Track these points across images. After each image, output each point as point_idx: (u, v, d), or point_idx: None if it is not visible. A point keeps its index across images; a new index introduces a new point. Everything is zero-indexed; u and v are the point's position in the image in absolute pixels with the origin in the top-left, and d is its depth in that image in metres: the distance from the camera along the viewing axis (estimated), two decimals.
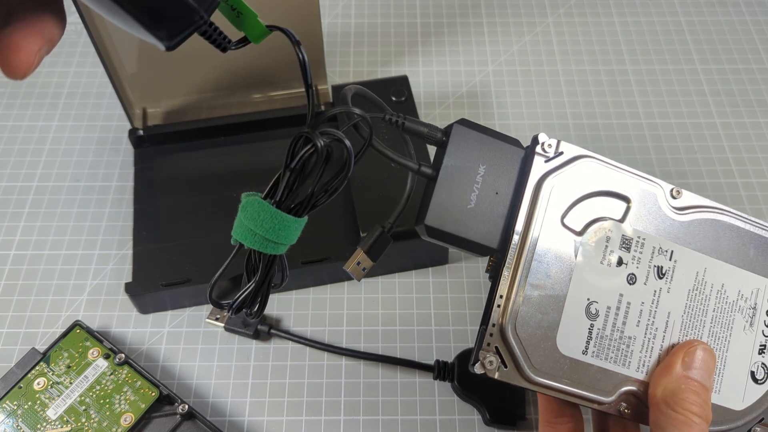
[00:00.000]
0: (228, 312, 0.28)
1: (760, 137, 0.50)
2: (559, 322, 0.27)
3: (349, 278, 0.43)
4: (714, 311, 0.29)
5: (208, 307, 0.41)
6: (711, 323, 0.29)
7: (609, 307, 0.27)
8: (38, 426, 0.35)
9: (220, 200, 0.43)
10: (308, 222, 0.42)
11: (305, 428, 0.37)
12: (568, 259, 0.27)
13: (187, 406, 0.36)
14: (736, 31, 0.57)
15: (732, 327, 0.29)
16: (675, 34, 0.57)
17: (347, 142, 0.26)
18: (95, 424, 0.35)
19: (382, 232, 0.31)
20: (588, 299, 0.27)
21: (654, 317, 0.28)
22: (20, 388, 0.36)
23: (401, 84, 0.46)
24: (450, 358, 0.39)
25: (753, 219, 0.30)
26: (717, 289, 0.29)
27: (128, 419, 0.36)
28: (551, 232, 0.27)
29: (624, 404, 0.27)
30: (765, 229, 0.30)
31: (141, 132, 0.46)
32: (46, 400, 0.36)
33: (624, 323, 0.28)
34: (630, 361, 0.27)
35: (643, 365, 0.28)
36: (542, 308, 0.27)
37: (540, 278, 0.27)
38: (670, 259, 0.29)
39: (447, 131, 0.28)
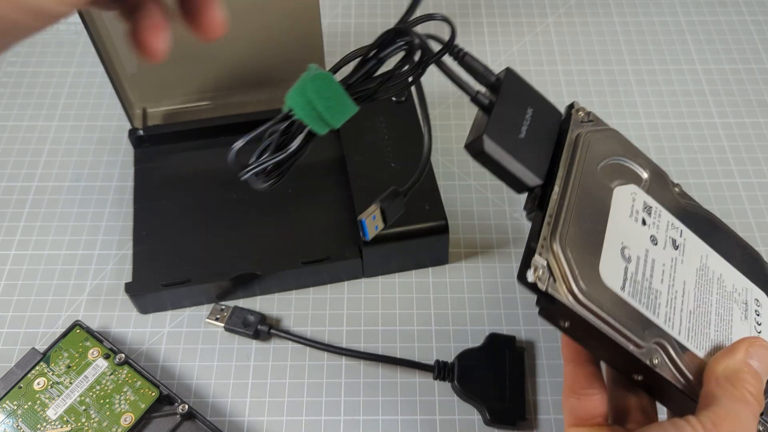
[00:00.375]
0: (250, 172, 0.28)
1: (760, 137, 0.50)
2: (601, 253, 0.27)
3: (348, 278, 0.43)
4: (717, 295, 0.30)
5: (208, 307, 0.41)
6: (716, 305, 0.30)
7: (639, 257, 0.28)
8: (38, 426, 0.35)
9: (220, 200, 0.43)
10: (308, 222, 0.42)
11: (305, 428, 0.37)
12: (605, 201, 0.29)
13: (187, 406, 0.36)
14: (736, 31, 0.57)
15: (732, 314, 0.30)
16: (675, 34, 0.57)
17: (429, 44, 0.27)
18: (95, 424, 0.35)
19: (398, 193, 0.32)
20: (622, 243, 0.28)
21: (673, 281, 0.29)
22: (20, 388, 0.36)
23: None
24: (450, 358, 0.39)
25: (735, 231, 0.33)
26: (717, 277, 0.30)
27: (128, 419, 0.36)
28: (590, 176, 0.29)
29: (656, 359, 0.27)
30: (745, 242, 0.33)
31: (141, 132, 0.46)
32: (46, 400, 0.36)
33: (651, 276, 0.28)
34: (659, 312, 0.28)
35: (669, 320, 0.28)
36: (586, 237, 0.28)
37: (584, 211, 0.28)
38: (681, 236, 0.30)
39: (499, 77, 0.31)
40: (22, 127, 0.51)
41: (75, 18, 0.57)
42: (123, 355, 0.38)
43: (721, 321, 0.30)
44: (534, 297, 0.27)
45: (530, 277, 0.26)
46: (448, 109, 0.51)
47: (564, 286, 0.26)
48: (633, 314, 0.27)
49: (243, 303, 0.42)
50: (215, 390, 0.39)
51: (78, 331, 0.39)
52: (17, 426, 0.35)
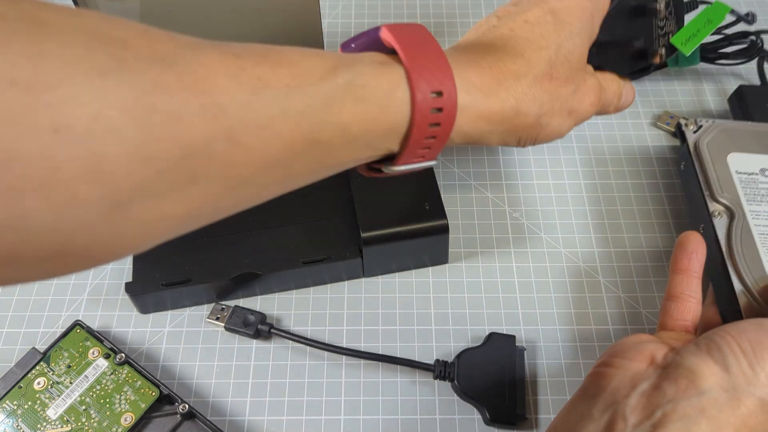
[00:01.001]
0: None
1: None
2: None
3: (349, 278, 0.43)
4: None
5: (208, 307, 0.41)
6: None
7: None
8: (38, 426, 0.35)
9: None
10: (308, 222, 0.42)
11: (305, 428, 0.37)
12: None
13: (187, 406, 0.36)
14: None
15: None
16: None
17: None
18: (95, 424, 0.35)
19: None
20: None
21: None
22: (20, 387, 0.36)
23: None
24: (450, 357, 0.39)
25: None
26: None
27: (128, 419, 0.36)
28: None
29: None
30: None
31: None
32: (47, 400, 0.36)
33: None
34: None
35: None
36: None
37: None
38: None
39: None
40: None
41: None
42: (123, 355, 0.38)
43: None
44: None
45: None
46: None
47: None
48: None
49: (243, 303, 0.42)
50: (215, 389, 0.39)
51: (78, 330, 0.39)
52: (17, 426, 0.35)
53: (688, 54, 0.42)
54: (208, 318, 0.41)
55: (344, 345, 0.40)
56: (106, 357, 0.38)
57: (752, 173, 0.41)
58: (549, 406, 0.38)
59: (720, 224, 0.39)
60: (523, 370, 0.39)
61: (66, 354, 0.38)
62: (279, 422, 0.38)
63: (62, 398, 0.36)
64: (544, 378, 0.39)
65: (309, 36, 0.45)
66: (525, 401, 0.38)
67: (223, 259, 0.41)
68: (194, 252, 0.41)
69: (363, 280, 0.43)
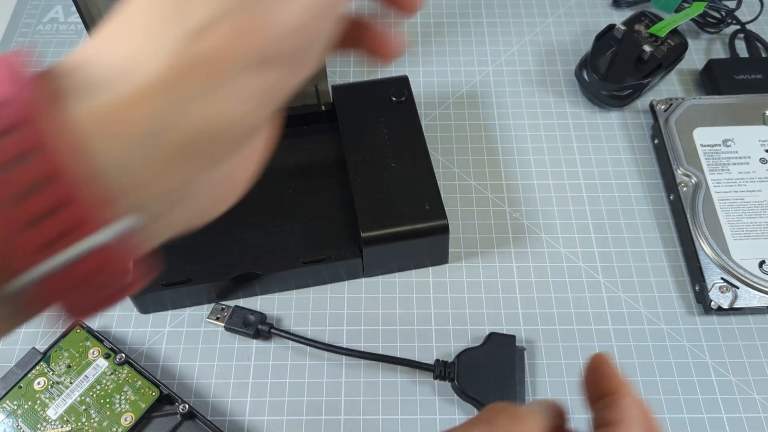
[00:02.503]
0: None
1: None
2: None
3: (349, 278, 0.43)
4: None
5: (208, 307, 0.41)
6: None
7: None
8: (38, 426, 0.35)
9: None
10: (308, 222, 0.42)
11: (305, 428, 0.37)
12: None
13: (187, 406, 0.36)
14: None
15: None
16: None
17: None
18: (95, 424, 0.35)
19: None
20: None
21: None
22: (20, 387, 0.36)
23: (401, 84, 0.46)
24: (450, 357, 0.39)
25: None
26: None
27: (128, 419, 0.36)
28: None
29: None
30: None
31: None
32: (47, 400, 0.36)
33: None
34: None
35: None
36: None
37: None
38: None
39: None
40: None
41: (75, 17, 0.58)
42: (123, 355, 0.38)
43: None
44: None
45: None
46: (448, 110, 0.51)
47: None
48: None
49: (243, 302, 0.42)
50: (216, 390, 0.39)
51: (78, 330, 0.39)
52: (17, 426, 0.35)
53: (662, 36, 0.50)
54: (208, 318, 0.41)
55: (344, 345, 0.40)
56: (106, 357, 0.38)
57: (715, 145, 0.45)
58: None
59: (686, 193, 0.44)
60: (523, 370, 0.39)
61: (66, 354, 0.38)
62: (279, 422, 0.38)
63: (62, 398, 0.36)
64: (544, 378, 0.39)
65: None
66: (525, 401, 0.38)
67: (223, 259, 0.41)
68: (194, 252, 0.41)
69: (363, 280, 0.43)
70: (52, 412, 0.36)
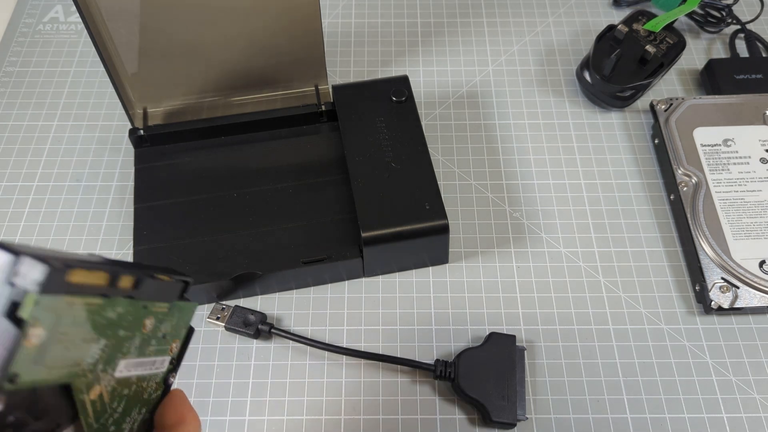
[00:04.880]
0: None
1: None
2: None
3: (349, 278, 0.43)
4: None
5: (208, 307, 0.41)
6: None
7: None
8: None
9: (220, 200, 0.43)
10: (308, 222, 0.42)
11: (306, 427, 0.38)
12: None
13: None
14: None
15: None
16: None
17: None
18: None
19: None
20: None
21: None
22: (145, 308, 0.25)
23: (401, 84, 0.46)
24: (450, 357, 0.39)
25: None
26: None
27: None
28: None
29: None
30: None
31: (141, 132, 0.46)
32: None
33: None
34: None
35: None
36: None
37: None
38: None
39: None
40: (23, 126, 0.51)
41: (75, 17, 0.58)
42: None
43: None
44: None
45: None
46: (448, 109, 0.51)
47: None
48: None
49: (244, 302, 0.42)
50: (216, 389, 0.39)
51: None
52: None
53: (657, 31, 0.50)
54: (208, 318, 0.41)
55: (345, 345, 0.40)
56: None
57: (715, 144, 0.45)
58: (549, 406, 0.38)
59: (686, 193, 0.44)
60: (523, 370, 0.39)
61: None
62: (279, 422, 0.38)
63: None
64: (544, 378, 0.39)
65: (309, 36, 0.45)
66: (525, 401, 0.38)
67: (223, 259, 0.41)
68: (194, 252, 0.41)
69: (363, 279, 0.43)
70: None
